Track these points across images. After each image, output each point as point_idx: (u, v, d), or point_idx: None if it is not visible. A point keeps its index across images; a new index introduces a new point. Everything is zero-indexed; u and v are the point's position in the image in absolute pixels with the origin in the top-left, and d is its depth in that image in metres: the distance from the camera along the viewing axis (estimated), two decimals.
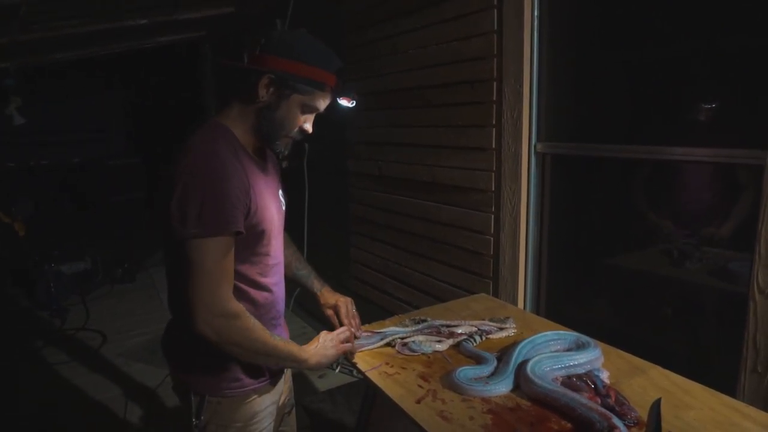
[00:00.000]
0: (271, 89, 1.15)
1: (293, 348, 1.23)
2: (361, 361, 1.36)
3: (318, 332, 1.35)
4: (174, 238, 1.05)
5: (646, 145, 1.71)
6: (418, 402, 1.15)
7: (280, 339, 1.20)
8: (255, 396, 1.28)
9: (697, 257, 1.69)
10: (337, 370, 3.05)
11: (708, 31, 1.59)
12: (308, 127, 1.23)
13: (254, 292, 1.24)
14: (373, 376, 1.28)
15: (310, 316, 3.78)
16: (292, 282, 1.52)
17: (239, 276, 1.19)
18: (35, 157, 8.41)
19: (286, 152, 1.25)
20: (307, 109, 1.20)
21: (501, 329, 1.49)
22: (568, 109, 2.00)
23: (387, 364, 1.34)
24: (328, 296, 1.52)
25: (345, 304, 1.48)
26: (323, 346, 1.29)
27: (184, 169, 1.07)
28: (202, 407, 1.23)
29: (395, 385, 1.23)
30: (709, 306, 1.74)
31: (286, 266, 1.45)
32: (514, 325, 1.51)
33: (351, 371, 3.05)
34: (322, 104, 1.22)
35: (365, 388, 1.55)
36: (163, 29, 4.50)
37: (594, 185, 2.04)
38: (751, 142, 1.43)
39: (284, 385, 1.45)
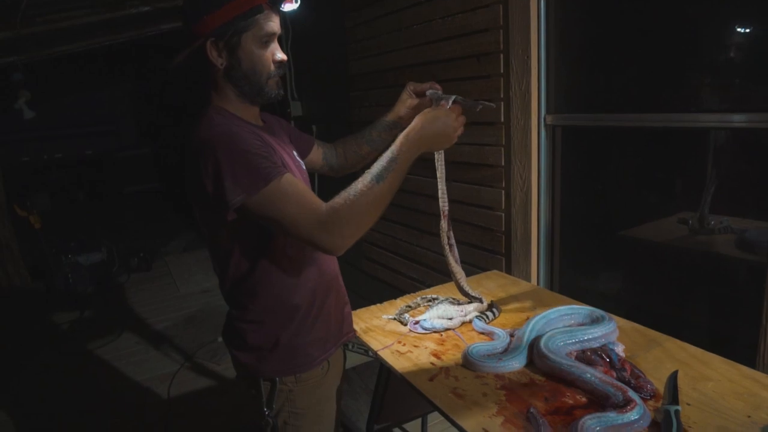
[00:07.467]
0: (221, 48, 1.10)
1: (388, 149, 1.08)
2: (374, 341, 1.35)
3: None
4: (222, 209, 1.01)
5: (659, 113, 1.66)
6: (431, 380, 1.15)
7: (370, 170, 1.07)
8: (323, 371, 1.27)
9: (713, 226, 1.65)
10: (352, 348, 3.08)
11: None
12: (280, 56, 1.16)
13: (302, 260, 1.20)
14: (386, 355, 1.28)
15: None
16: (374, 150, 1.55)
17: (280, 246, 1.16)
18: (49, 151, 8.49)
19: (282, 92, 1.20)
20: (264, 39, 1.12)
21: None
22: (577, 79, 1.95)
23: (399, 342, 1.33)
24: (405, 96, 1.42)
25: (432, 84, 1.36)
26: (436, 114, 1.17)
27: (201, 148, 1.03)
28: (273, 395, 1.21)
29: (408, 363, 1.23)
30: (727, 276, 1.71)
31: (353, 151, 1.58)
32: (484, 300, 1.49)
33: (366, 351, 3.07)
34: (273, 25, 1.13)
35: (379, 368, 1.55)
36: (167, 16, 4.46)
37: (606, 156, 1.99)
38: None
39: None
